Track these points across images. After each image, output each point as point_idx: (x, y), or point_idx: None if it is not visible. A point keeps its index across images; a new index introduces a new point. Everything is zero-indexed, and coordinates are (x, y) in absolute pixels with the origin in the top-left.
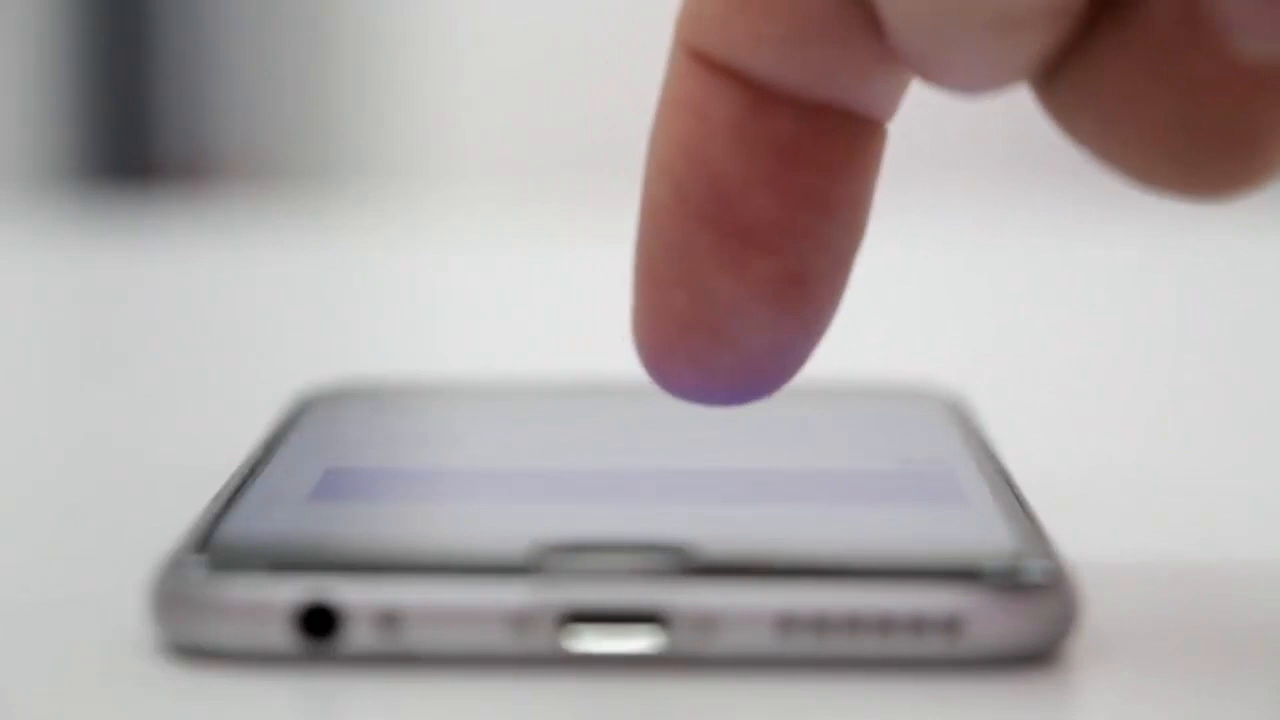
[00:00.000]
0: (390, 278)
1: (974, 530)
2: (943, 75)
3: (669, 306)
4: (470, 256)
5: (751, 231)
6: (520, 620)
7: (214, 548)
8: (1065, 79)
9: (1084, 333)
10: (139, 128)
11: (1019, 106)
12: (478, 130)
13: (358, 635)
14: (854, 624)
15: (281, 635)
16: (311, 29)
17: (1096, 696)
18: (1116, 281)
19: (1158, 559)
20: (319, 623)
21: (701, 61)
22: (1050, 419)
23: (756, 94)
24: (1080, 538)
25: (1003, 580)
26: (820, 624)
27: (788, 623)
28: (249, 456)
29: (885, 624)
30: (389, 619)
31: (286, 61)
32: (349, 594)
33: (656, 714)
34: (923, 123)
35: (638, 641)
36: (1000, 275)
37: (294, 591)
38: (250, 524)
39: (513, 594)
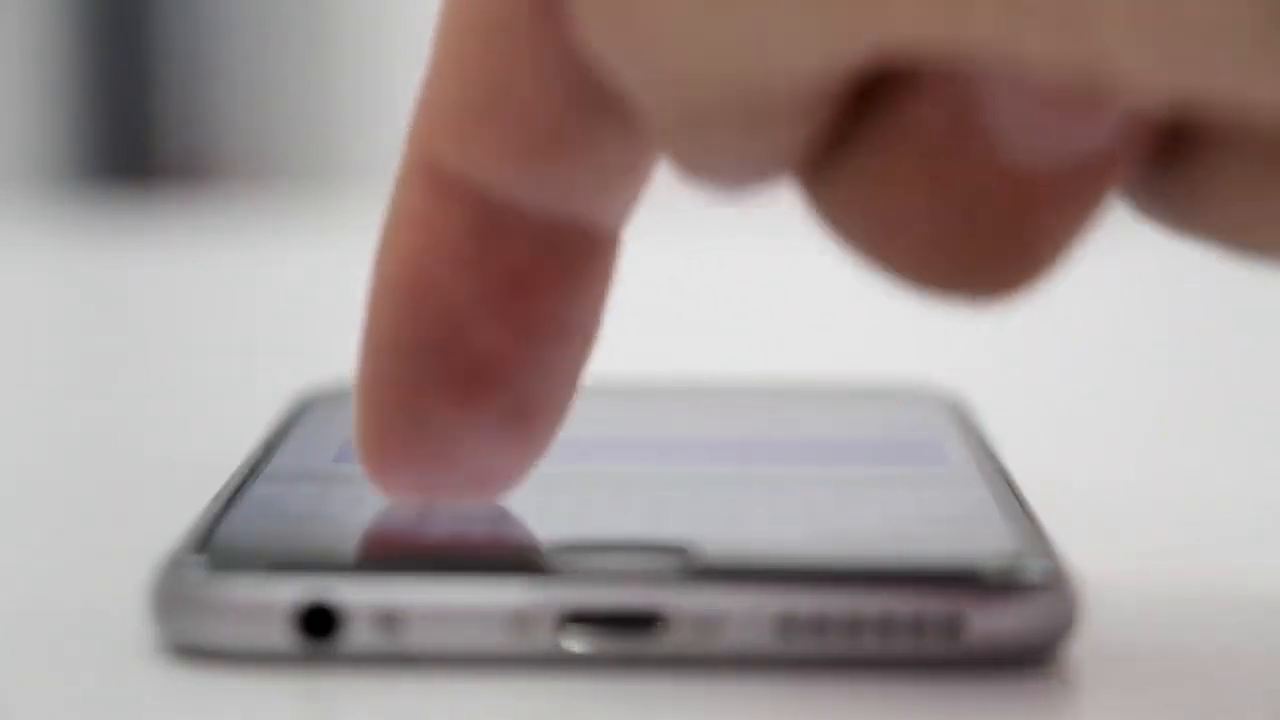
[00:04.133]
0: None
1: (974, 530)
2: (697, 170)
3: (390, 431)
4: None
5: (479, 365)
6: (520, 620)
7: (214, 548)
8: (829, 180)
9: (1084, 333)
10: (139, 128)
11: None
12: None
13: (358, 635)
14: (854, 624)
15: (281, 635)
16: (311, 29)
17: (1096, 697)
18: (1117, 282)
19: (1158, 559)
20: (319, 623)
21: (434, 176)
22: (1050, 419)
23: (489, 213)
24: (1080, 538)
25: (1003, 580)
26: (820, 624)
27: (788, 623)
28: (249, 456)
29: (885, 624)
30: (389, 619)
31: (286, 61)
32: (349, 594)
33: (656, 714)
34: None
35: (638, 642)
36: None
37: (294, 591)
38: (250, 524)
39: (513, 594)
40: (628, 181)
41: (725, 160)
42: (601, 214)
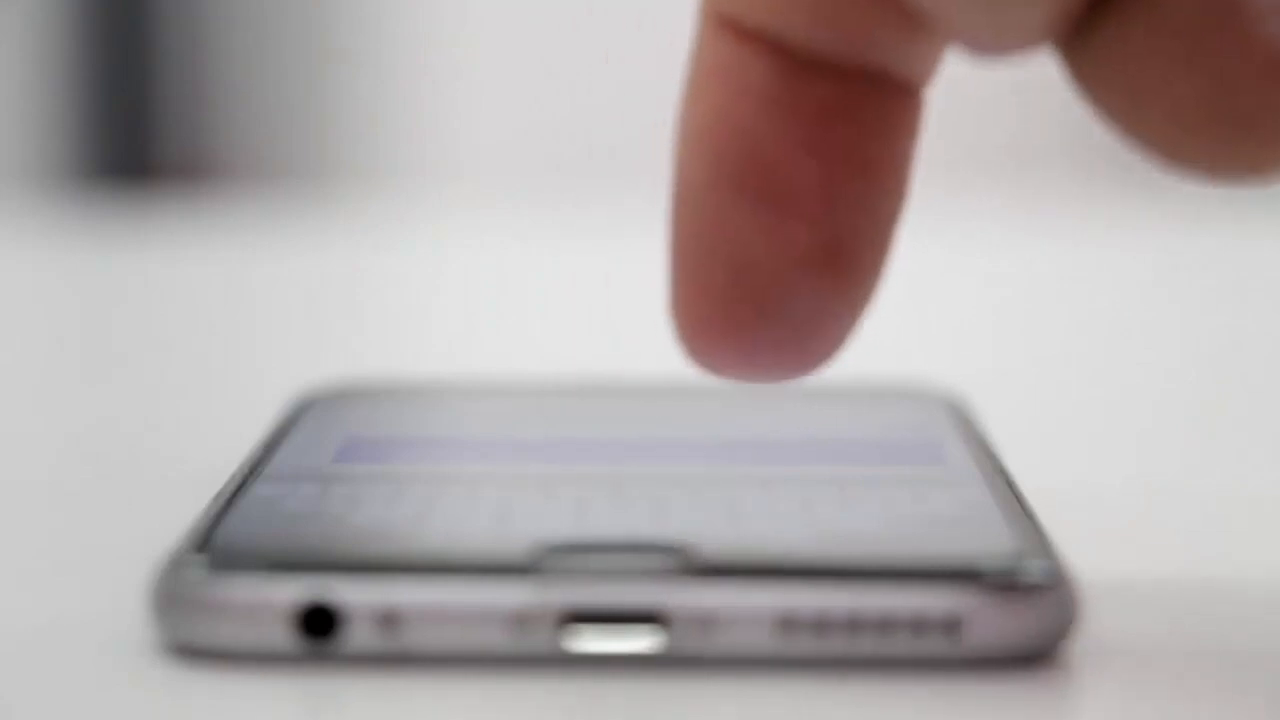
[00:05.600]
0: (390, 278)
1: (974, 530)
2: (965, 36)
3: (708, 282)
4: (470, 256)
5: (791, 199)
6: (520, 620)
7: (214, 548)
8: (1089, 49)
9: (1084, 333)
10: (139, 128)
11: (1021, 106)
12: (477, 130)
13: (358, 635)
14: (854, 624)
15: (281, 635)
16: (311, 29)
17: (1096, 697)
18: (1117, 282)
19: (1158, 559)
20: (319, 623)
21: (731, 29)
22: (1050, 419)
23: (790, 60)
24: (1080, 538)
25: (1003, 580)
26: (820, 624)
27: (788, 623)
28: (249, 456)
29: (885, 624)
30: (389, 619)
31: (286, 62)
32: (349, 594)
33: (656, 714)
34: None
35: (638, 641)
36: (1000, 275)
37: (294, 591)
38: (250, 524)
39: (513, 594)
40: (919, 39)
41: (990, 21)
42: (899, 67)
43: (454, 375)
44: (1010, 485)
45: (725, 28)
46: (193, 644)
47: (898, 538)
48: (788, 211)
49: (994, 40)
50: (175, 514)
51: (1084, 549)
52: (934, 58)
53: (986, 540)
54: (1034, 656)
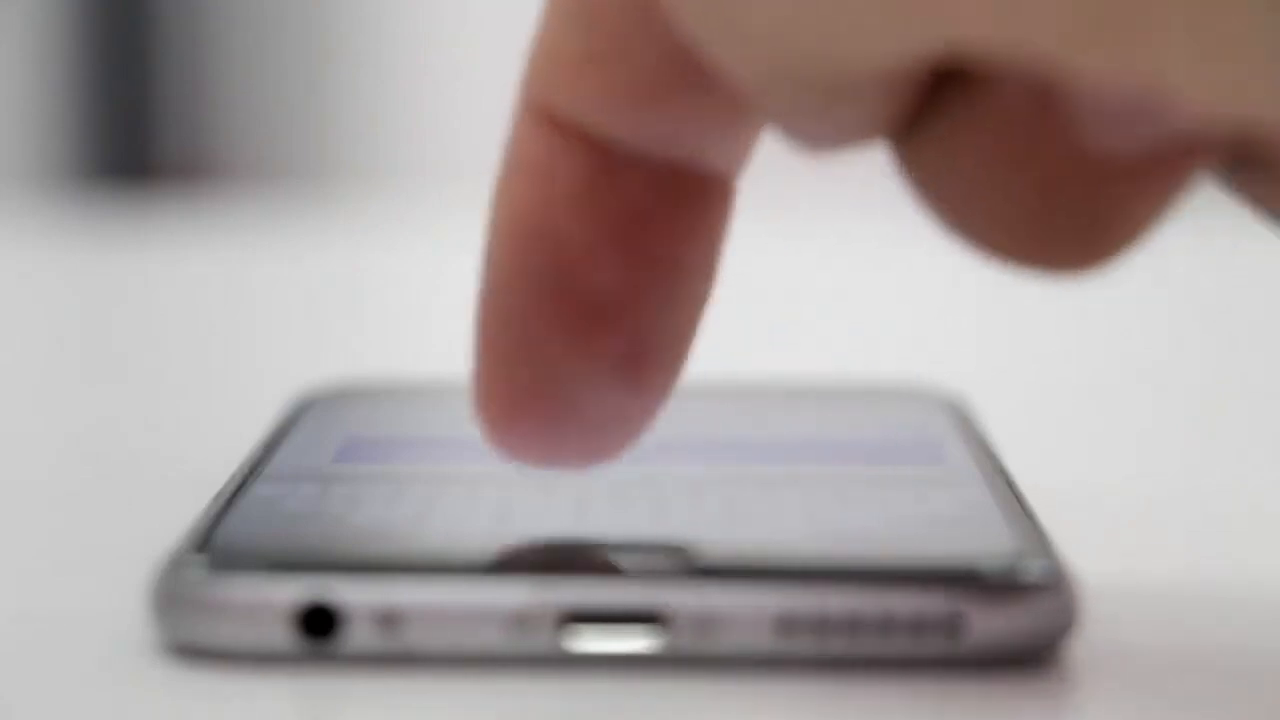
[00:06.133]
0: (389, 278)
1: (974, 530)
2: (794, 131)
3: (510, 377)
4: (469, 256)
5: (597, 305)
6: (520, 620)
7: (214, 548)
8: (916, 149)
9: (1085, 334)
10: (139, 128)
11: None
12: (477, 130)
13: (358, 635)
14: (854, 624)
15: (281, 635)
16: (310, 29)
17: (1096, 696)
18: (1118, 282)
19: (1157, 559)
20: (319, 623)
21: (548, 121)
22: (1050, 420)
23: (605, 155)
24: (1080, 538)
25: (1003, 580)
26: (820, 624)
27: (788, 623)
28: (249, 456)
29: (885, 624)
30: (389, 619)
31: (286, 62)
32: (349, 594)
33: (656, 714)
34: None
35: (638, 641)
36: (1001, 275)
37: (294, 591)
38: (250, 524)
39: (513, 594)
40: (736, 130)
41: (814, 127)
42: (713, 159)
43: (454, 375)
44: (1010, 485)
45: (539, 117)
46: (193, 644)
47: (898, 538)
48: (591, 318)
49: (824, 137)
50: (175, 514)
51: (1084, 549)
52: (748, 146)
53: (986, 540)
54: (1034, 656)
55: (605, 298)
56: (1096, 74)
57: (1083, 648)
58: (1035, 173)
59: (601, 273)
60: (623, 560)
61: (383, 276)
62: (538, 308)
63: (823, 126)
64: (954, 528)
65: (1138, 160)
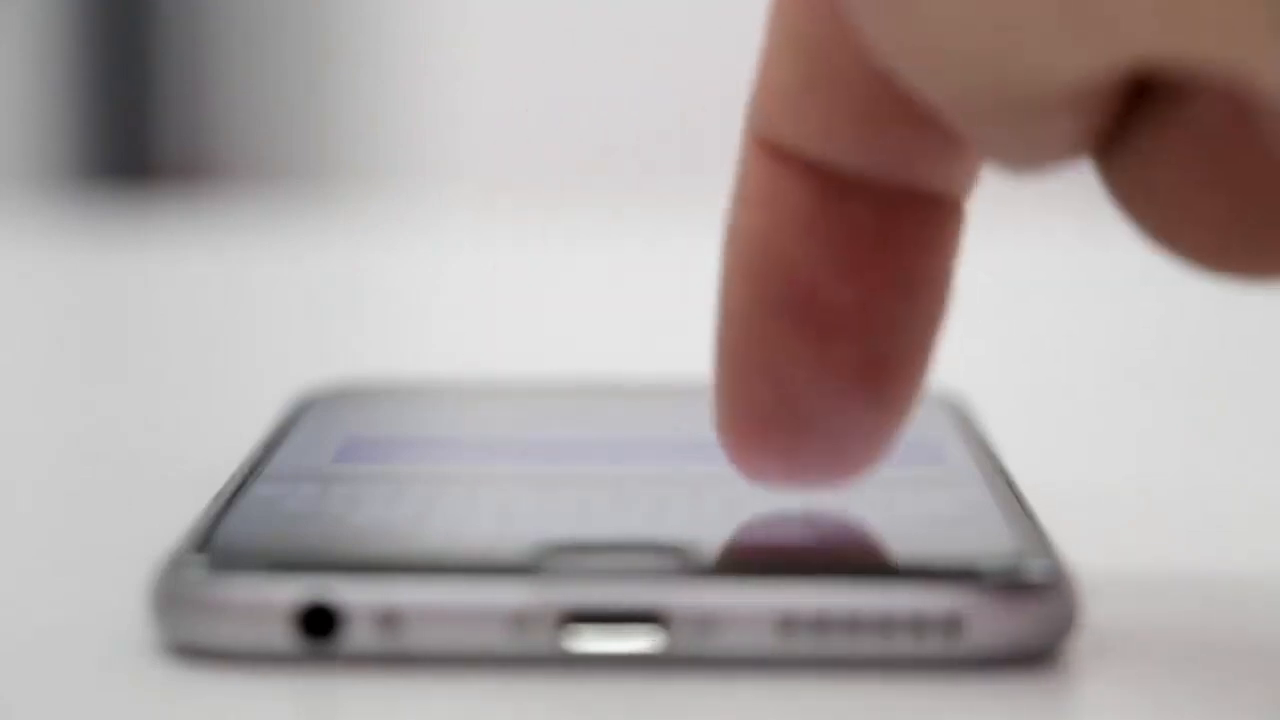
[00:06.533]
0: (389, 278)
1: (974, 530)
2: (997, 155)
3: (752, 399)
4: (469, 256)
5: (832, 322)
6: (520, 620)
7: (214, 548)
8: (1118, 164)
9: (1085, 333)
10: (139, 128)
11: None
12: (476, 130)
13: (358, 635)
14: (854, 624)
15: (281, 635)
16: (310, 30)
17: (1096, 696)
18: (1119, 282)
19: (1158, 559)
20: (319, 623)
21: (772, 153)
22: (1051, 420)
23: (829, 182)
24: (1080, 538)
25: (1003, 580)
26: (820, 624)
27: (788, 623)
28: (249, 456)
29: (885, 624)
30: (389, 619)
31: (286, 62)
32: (349, 594)
33: (656, 714)
34: None
35: (638, 641)
36: (1001, 275)
37: (294, 591)
38: (250, 524)
39: (513, 594)
40: (955, 153)
41: (1013, 148)
42: (937, 181)
43: (454, 375)
44: (1010, 485)
45: (765, 150)
46: (193, 644)
47: (898, 537)
48: (829, 334)
49: (1026, 157)
50: (175, 514)
51: (1084, 549)
52: (973, 171)
53: (986, 540)
54: (1034, 656)
55: (840, 317)
56: (1271, 86)
57: (1083, 648)
58: (1235, 183)
59: (835, 292)
60: (623, 560)
61: (383, 276)
62: (775, 327)
63: (1021, 147)
64: (954, 528)
65: None
